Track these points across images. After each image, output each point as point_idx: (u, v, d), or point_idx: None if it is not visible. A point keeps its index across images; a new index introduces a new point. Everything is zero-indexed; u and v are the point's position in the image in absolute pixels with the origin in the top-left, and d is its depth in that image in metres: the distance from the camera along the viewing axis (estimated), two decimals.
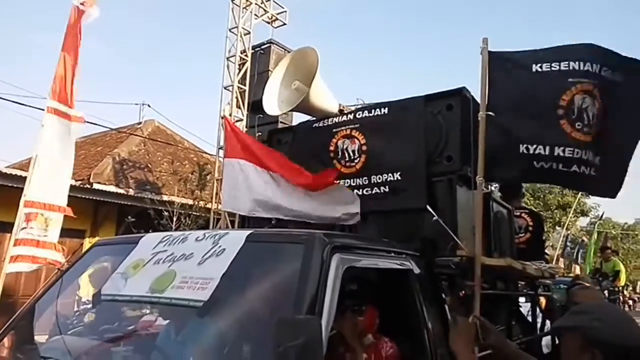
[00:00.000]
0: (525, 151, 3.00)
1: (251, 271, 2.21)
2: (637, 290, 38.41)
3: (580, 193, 18.36)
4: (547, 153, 2.96)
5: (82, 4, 5.62)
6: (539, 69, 3.12)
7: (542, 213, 18.17)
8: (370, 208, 3.55)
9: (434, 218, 3.20)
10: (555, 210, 18.73)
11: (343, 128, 3.70)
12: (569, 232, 20.39)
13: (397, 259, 2.70)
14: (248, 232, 2.30)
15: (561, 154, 2.97)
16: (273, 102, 3.93)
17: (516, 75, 3.15)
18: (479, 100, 3.24)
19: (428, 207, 3.25)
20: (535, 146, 2.98)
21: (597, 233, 16.54)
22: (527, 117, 3.07)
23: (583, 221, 24.24)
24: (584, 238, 22.38)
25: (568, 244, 22.89)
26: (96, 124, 12.03)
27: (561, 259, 18.61)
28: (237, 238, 2.21)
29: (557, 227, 19.37)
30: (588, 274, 13.68)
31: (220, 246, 2.18)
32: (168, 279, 2.11)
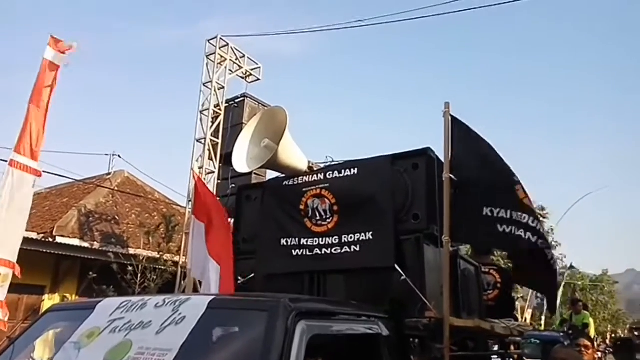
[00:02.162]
0: (489, 214, 3.07)
1: (212, 341, 2.12)
2: (607, 342, 38.60)
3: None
4: (508, 217, 3.04)
5: (55, 58, 5.65)
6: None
7: (509, 265, 18.35)
8: (341, 267, 3.53)
9: (402, 277, 3.20)
10: None
11: (313, 187, 3.73)
12: None
13: (366, 323, 2.65)
14: (210, 298, 2.22)
15: (517, 218, 3.06)
16: (242, 160, 3.94)
17: (475, 140, 3.28)
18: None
19: (396, 266, 3.26)
20: (498, 210, 3.06)
21: (566, 284, 16.73)
22: (487, 181, 3.17)
23: None
24: None
25: (538, 295, 23.08)
26: (63, 176, 11.76)
27: (529, 310, 18.66)
28: (198, 305, 2.13)
29: None
30: (557, 325, 13.72)
31: (180, 313, 2.10)
32: (123, 350, 2.01)
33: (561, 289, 16.31)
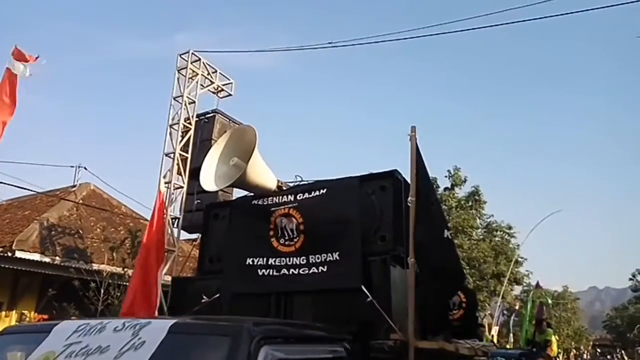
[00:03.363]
0: (449, 236, 3.15)
1: None
2: (571, 358, 39.40)
3: (513, 262, 19.11)
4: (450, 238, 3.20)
5: (17, 68, 5.53)
6: None
7: (477, 282, 18.64)
8: (307, 288, 3.52)
9: (369, 299, 3.21)
10: (490, 280, 19.28)
11: (282, 207, 3.73)
12: (504, 300, 20.92)
13: (331, 346, 2.65)
14: (171, 322, 2.18)
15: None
16: (210, 178, 3.91)
17: (424, 166, 3.41)
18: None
19: (363, 287, 3.27)
20: (450, 232, 3.16)
21: (532, 301, 17.05)
22: (438, 205, 3.31)
23: (517, 289, 25.03)
24: (519, 306, 23.02)
25: (504, 312, 23.42)
26: (25, 188, 11.37)
27: (495, 327, 18.92)
28: (158, 329, 2.09)
29: (493, 296, 19.86)
30: (523, 343, 13.94)
31: (140, 338, 2.05)
32: None
33: (529, 304, 16.60)
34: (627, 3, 5.10)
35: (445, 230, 3.19)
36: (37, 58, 7.06)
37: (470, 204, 20.49)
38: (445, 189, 20.89)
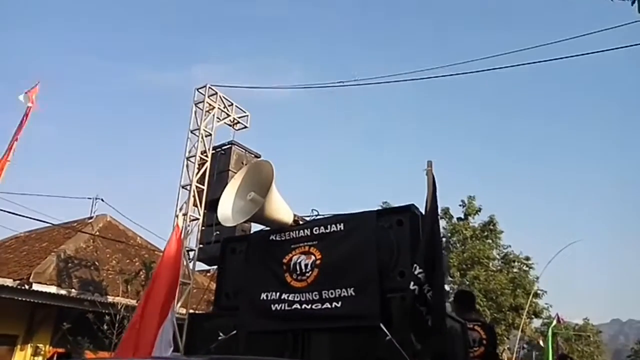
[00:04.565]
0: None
1: None
2: None
3: (531, 294, 18.66)
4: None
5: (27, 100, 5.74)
6: None
7: (495, 315, 18.19)
8: (321, 325, 3.45)
9: (387, 338, 3.14)
10: (508, 312, 18.80)
11: (301, 244, 3.73)
12: (523, 334, 20.35)
13: None
14: None
15: None
16: (227, 213, 3.93)
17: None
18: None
19: (382, 325, 3.21)
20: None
21: (552, 334, 16.58)
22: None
23: (536, 322, 24.36)
24: (540, 340, 22.36)
25: (525, 346, 22.75)
26: (43, 221, 11.54)
27: None
28: None
29: (512, 329, 19.34)
30: None
31: None
32: None
33: (549, 337, 16.12)
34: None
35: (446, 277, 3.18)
36: (36, 85, 7.40)
37: (485, 234, 20.21)
38: (459, 219, 20.68)
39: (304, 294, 3.58)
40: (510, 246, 20.75)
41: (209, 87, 10.52)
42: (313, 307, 3.52)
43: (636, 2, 3.06)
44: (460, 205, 20.53)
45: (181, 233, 6.68)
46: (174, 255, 4.43)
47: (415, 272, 3.09)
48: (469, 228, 20.10)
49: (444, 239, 19.06)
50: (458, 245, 20.32)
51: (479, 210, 20.57)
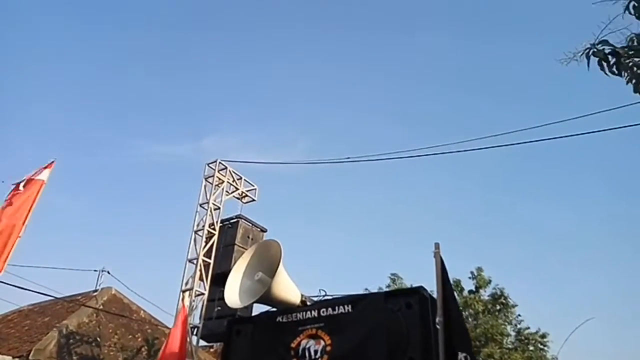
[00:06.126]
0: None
1: None
2: None
3: None
4: None
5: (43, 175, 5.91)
6: None
7: None
8: None
9: None
10: None
11: (308, 327, 3.67)
12: None
13: None
14: None
15: None
16: (234, 294, 3.91)
17: (450, 283, 3.39)
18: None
19: None
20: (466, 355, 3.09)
21: None
22: (461, 324, 3.24)
23: None
24: None
25: None
26: (46, 294, 11.43)
27: None
28: None
29: None
30: None
31: None
32: None
33: None
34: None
35: (460, 353, 3.07)
36: (53, 163, 7.62)
37: (498, 307, 19.56)
38: (470, 291, 20.14)
39: None
40: (523, 320, 19.96)
41: (220, 162, 10.80)
42: None
43: (631, 83, 3.17)
44: (470, 278, 20.08)
45: (187, 316, 6.59)
46: (179, 338, 4.36)
47: None
48: (480, 302, 19.52)
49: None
50: (470, 319, 19.64)
51: (489, 281, 20.06)
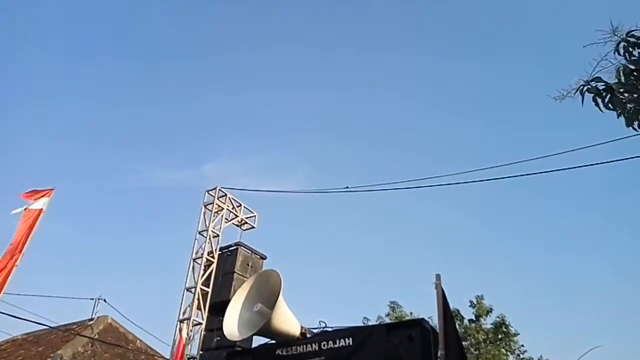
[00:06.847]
0: None
1: None
2: None
3: None
4: None
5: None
6: None
7: None
8: None
9: None
10: None
11: None
12: None
13: None
14: None
15: None
16: (233, 326, 3.88)
17: (452, 315, 3.37)
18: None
19: None
20: None
21: None
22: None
23: None
24: None
25: None
26: (41, 323, 11.24)
27: None
28: None
29: None
30: None
31: None
32: None
33: None
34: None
35: None
36: (52, 190, 7.62)
37: (500, 336, 19.28)
38: (470, 320, 19.87)
39: None
40: (526, 351, 19.65)
41: (219, 189, 10.81)
42: None
43: (622, 116, 3.18)
44: (470, 306, 19.84)
45: (184, 347, 6.49)
46: None
47: None
48: (482, 331, 19.24)
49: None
50: (472, 349, 19.32)
51: (490, 310, 19.81)
